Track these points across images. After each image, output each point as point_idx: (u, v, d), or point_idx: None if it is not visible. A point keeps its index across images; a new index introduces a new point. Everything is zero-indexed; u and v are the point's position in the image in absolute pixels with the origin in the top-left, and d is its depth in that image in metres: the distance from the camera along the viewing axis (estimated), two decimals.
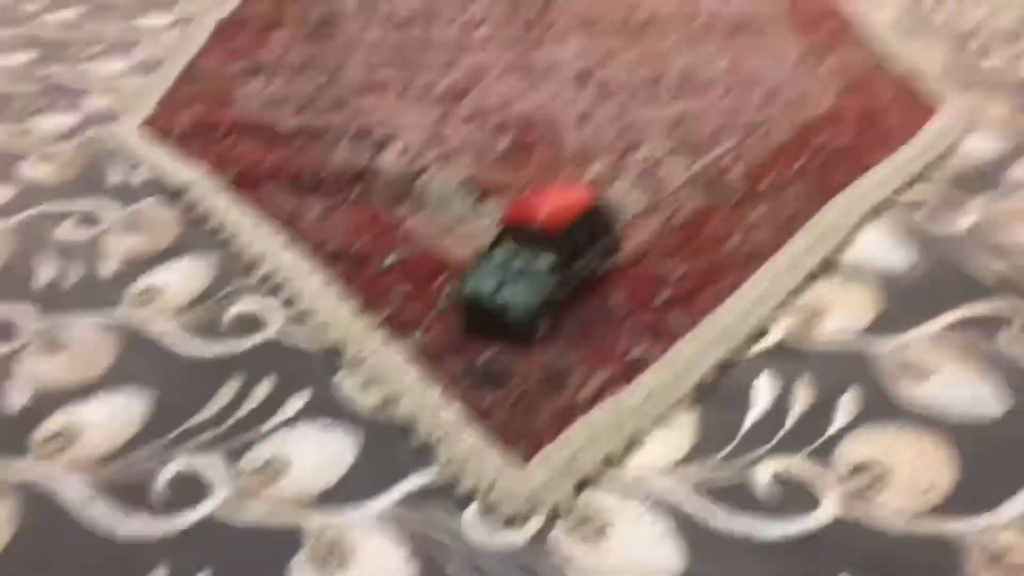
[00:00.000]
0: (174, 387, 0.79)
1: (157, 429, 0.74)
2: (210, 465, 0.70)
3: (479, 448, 0.70)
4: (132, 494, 0.68)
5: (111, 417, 0.75)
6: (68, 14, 1.65)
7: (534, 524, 0.64)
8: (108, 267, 0.95)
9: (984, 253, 0.90)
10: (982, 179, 1.03)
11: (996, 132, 1.12)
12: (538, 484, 0.66)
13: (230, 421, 0.74)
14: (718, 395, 0.75)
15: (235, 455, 0.71)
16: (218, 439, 0.72)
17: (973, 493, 0.65)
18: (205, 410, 0.75)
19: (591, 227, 0.86)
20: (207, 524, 0.66)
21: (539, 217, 0.83)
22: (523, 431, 0.71)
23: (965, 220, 0.96)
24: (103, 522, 0.66)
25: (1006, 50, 1.33)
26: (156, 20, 1.61)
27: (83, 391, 0.78)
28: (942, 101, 1.18)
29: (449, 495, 0.67)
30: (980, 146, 1.09)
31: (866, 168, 1.05)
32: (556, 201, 0.86)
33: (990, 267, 0.88)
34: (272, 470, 0.69)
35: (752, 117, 1.17)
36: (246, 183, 1.07)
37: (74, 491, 0.69)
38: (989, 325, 0.81)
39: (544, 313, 0.81)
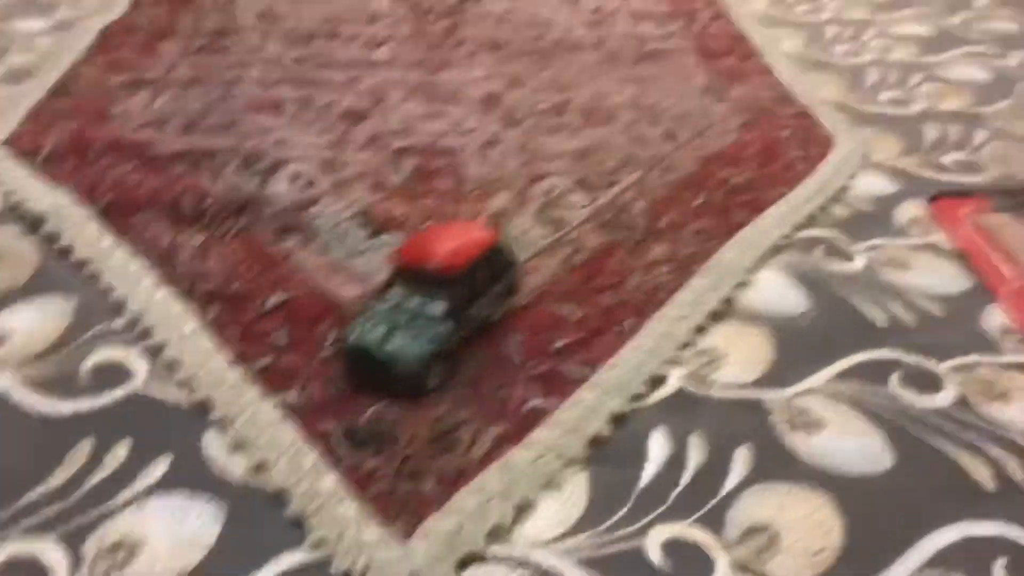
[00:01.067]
0: (16, 452, 0.70)
1: None
2: (49, 549, 0.62)
3: (356, 522, 0.64)
4: None
5: None
6: None
7: None
8: None
9: (876, 294, 0.91)
10: (874, 218, 1.04)
11: (887, 171, 1.13)
12: (418, 564, 0.61)
13: (76, 494, 0.66)
14: (612, 451, 0.72)
15: (79, 536, 0.63)
16: (60, 516, 0.65)
17: (862, 554, 0.64)
18: (49, 481, 0.68)
19: (490, 268, 0.82)
20: None
21: (435, 257, 0.78)
22: (406, 501, 0.66)
23: (859, 260, 0.96)
24: None
25: (900, 87, 1.36)
26: (31, 24, 1.49)
27: None
28: (838, 137, 1.20)
29: (324, 575, 0.62)
30: (872, 184, 1.10)
31: (766, 205, 1.05)
32: (453, 240, 0.81)
33: (881, 310, 0.89)
34: (123, 552, 0.62)
35: (656, 150, 1.16)
36: (119, 211, 0.99)
37: None
38: (879, 371, 0.81)
39: (437, 363, 0.76)
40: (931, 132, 1.23)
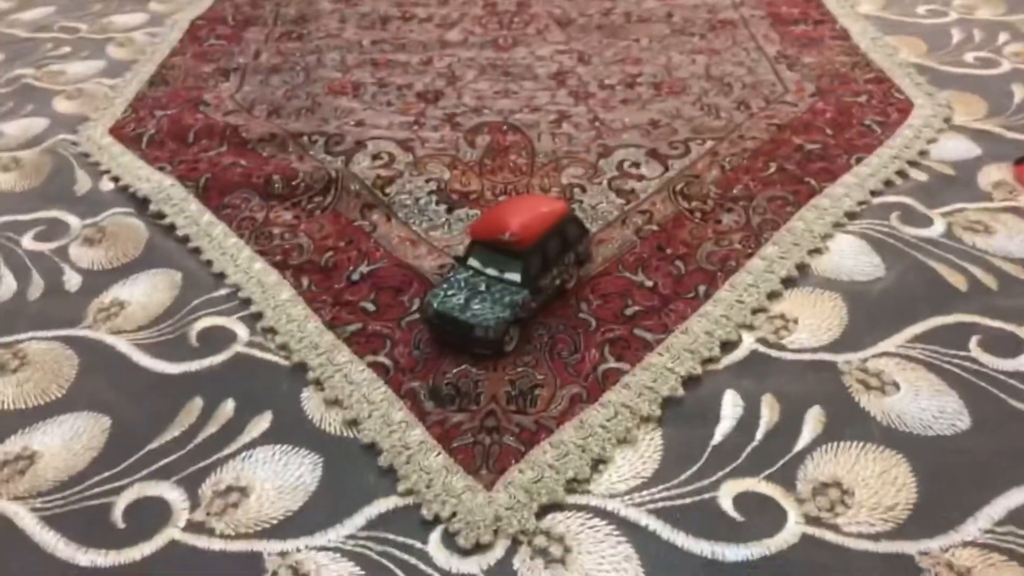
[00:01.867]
0: (138, 407, 0.78)
1: (118, 452, 0.73)
2: (170, 490, 0.69)
3: (443, 472, 0.69)
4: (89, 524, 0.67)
5: (70, 440, 0.75)
6: (37, 13, 1.62)
7: (498, 550, 0.64)
8: (73, 281, 0.94)
9: (955, 258, 0.90)
10: (955, 182, 1.02)
11: (970, 134, 1.11)
12: (501, 510, 0.66)
13: (191, 444, 0.73)
14: (684, 411, 0.75)
15: (196, 480, 0.70)
16: (179, 463, 0.71)
17: (935, 511, 0.65)
18: (167, 432, 0.74)
19: (562, 239, 0.85)
20: (169, 552, 0.65)
21: (508, 230, 0.82)
22: (488, 453, 0.71)
23: (938, 224, 0.95)
24: (62, 552, 0.65)
25: (986, 47, 1.32)
26: (128, 19, 1.58)
27: (43, 413, 0.77)
28: (918, 100, 1.18)
29: (413, 520, 0.66)
30: (954, 147, 1.08)
31: (840, 171, 1.04)
32: (525, 213, 0.84)
33: (961, 273, 0.88)
34: (235, 494, 0.69)
35: (728, 119, 1.16)
36: (215, 191, 1.06)
37: (25, 522, 0.68)
38: (959, 335, 0.81)
39: (513, 328, 0.80)
40: (1019, 93, 1.19)
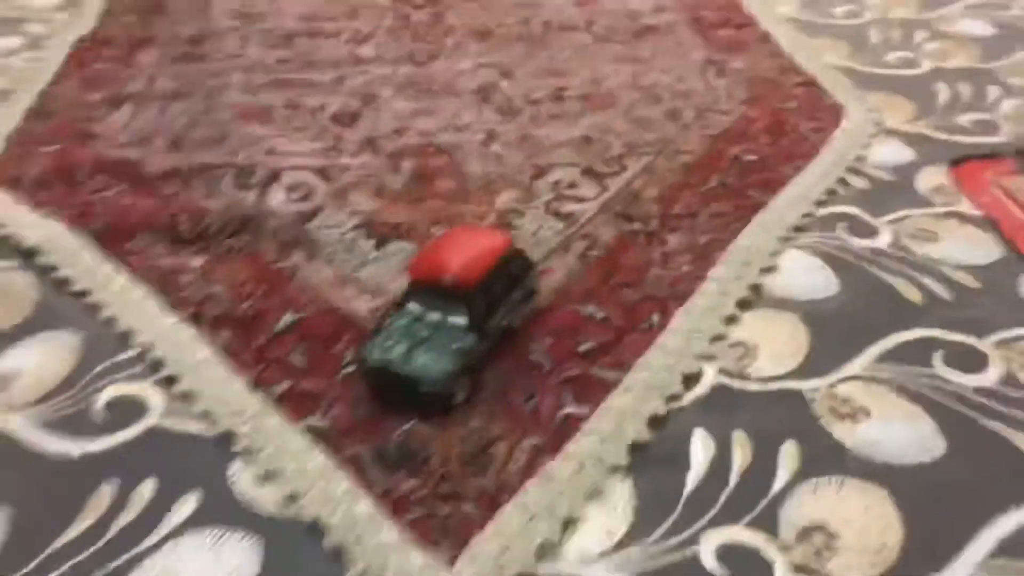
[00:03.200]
0: (35, 499, 0.67)
1: (18, 554, 0.63)
2: None
3: (398, 549, 0.62)
4: None
5: None
6: None
7: None
8: None
9: (907, 269, 0.88)
10: (895, 188, 1.01)
11: (903, 137, 1.10)
12: None
13: (104, 539, 0.63)
14: (653, 456, 0.70)
15: None
16: (89, 564, 0.62)
17: (926, 548, 0.62)
18: (75, 526, 0.64)
19: (507, 275, 0.79)
20: None
21: (449, 270, 0.75)
22: (447, 523, 0.64)
23: (885, 234, 0.94)
24: None
25: (901, 49, 1.33)
26: (2, 43, 1.43)
27: None
28: (848, 104, 1.17)
29: None
30: (890, 152, 1.07)
31: (781, 182, 1.02)
32: (467, 251, 0.78)
33: (915, 285, 0.86)
34: None
35: (661, 132, 1.13)
36: (114, 237, 0.95)
37: None
38: (921, 351, 0.79)
39: (463, 378, 0.73)
40: (943, 92, 1.20)
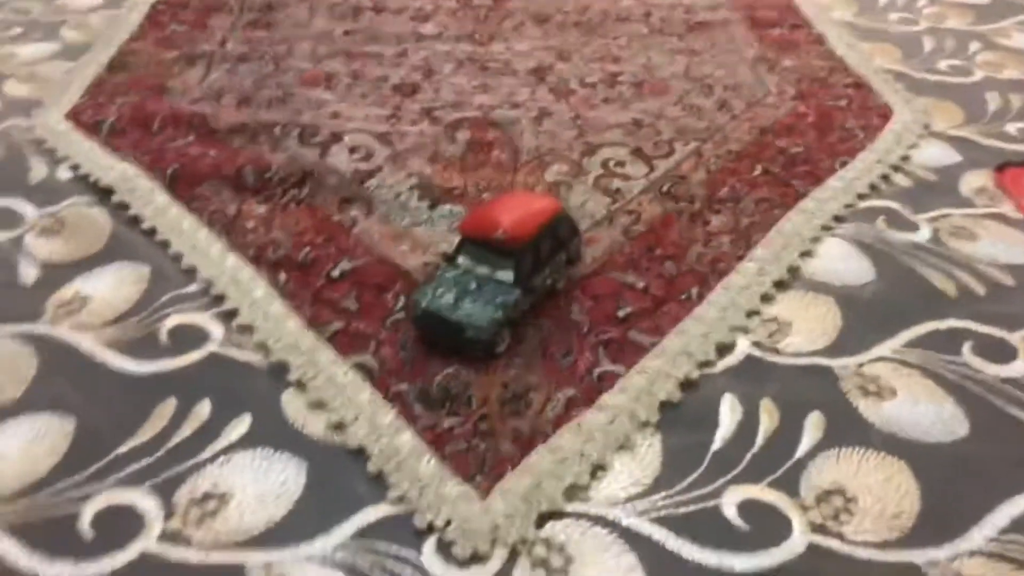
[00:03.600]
0: (104, 409, 0.72)
1: (84, 455, 0.68)
2: (142, 498, 0.64)
3: (436, 479, 0.66)
4: (55, 534, 0.62)
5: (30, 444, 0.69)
6: None
7: (496, 561, 0.61)
8: (29, 273, 0.88)
9: (943, 263, 0.90)
10: (938, 188, 1.03)
11: (949, 140, 1.12)
12: (499, 518, 0.63)
13: (164, 449, 0.68)
14: (683, 416, 0.73)
15: (170, 487, 0.65)
16: (151, 469, 0.67)
17: (940, 519, 0.64)
18: (137, 436, 0.70)
19: (554, 238, 0.83)
20: (141, 564, 0.60)
21: (500, 228, 0.79)
22: (483, 459, 0.68)
23: (924, 230, 0.95)
24: (25, 563, 0.60)
25: (958, 55, 1.34)
26: (83, 1, 1.50)
27: None
28: (897, 106, 1.18)
29: (406, 529, 0.63)
30: (936, 154, 1.09)
31: (825, 175, 1.04)
32: (518, 211, 0.82)
33: (950, 279, 0.88)
34: (213, 502, 0.64)
35: (711, 120, 1.15)
36: (183, 182, 1.00)
37: None
38: (951, 340, 0.80)
39: (505, 329, 0.77)
40: (993, 101, 1.20)
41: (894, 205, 0.99)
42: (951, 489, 0.67)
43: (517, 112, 1.17)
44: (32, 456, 0.68)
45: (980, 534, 0.63)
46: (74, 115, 1.14)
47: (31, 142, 1.09)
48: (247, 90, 1.21)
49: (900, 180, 1.04)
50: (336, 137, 1.09)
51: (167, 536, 0.62)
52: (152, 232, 0.93)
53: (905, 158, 1.07)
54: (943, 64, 1.31)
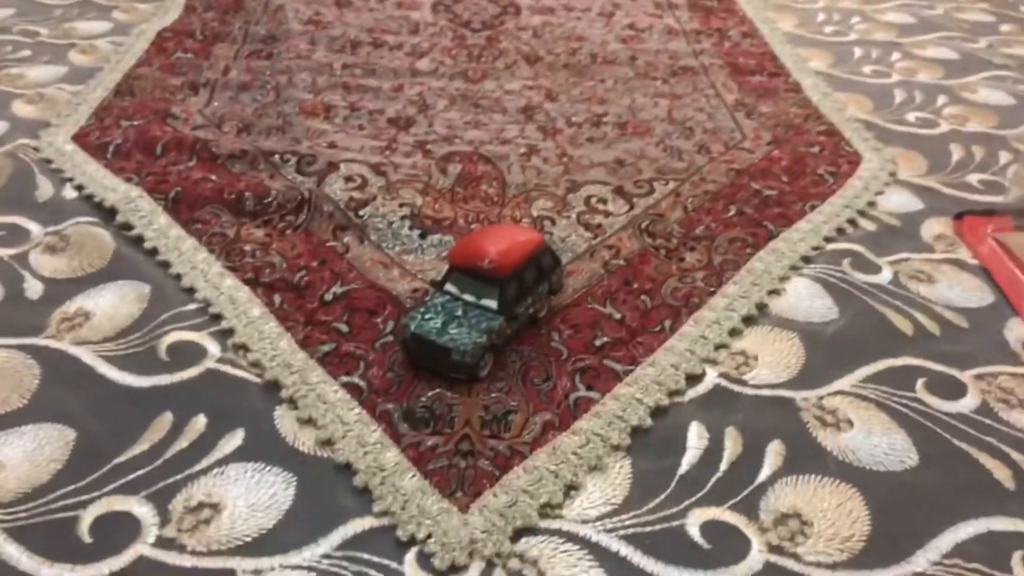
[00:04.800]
0: (104, 419, 0.76)
1: (84, 465, 0.71)
2: (139, 505, 0.68)
3: (418, 494, 0.70)
4: (55, 538, 0.66)
5: (33, 451, 0.73)
6: None
7: (473, 572, 0.65)
8: (34, 288, 0.92)
9: (902, 304, 0.96)
10: (901, 233, 1.08)
11: (914, 188, 1.18)
12: (477, 532, 0.67)
13: (160, 459, 0.72)
14: (652, 441, 0.77)
15: (166, 495, 0.69)
16: (148, 478, 0.70)
17: (888, 543, 0.69)
18: (135, 447, 0.73)
19: (537, 268, 0.88)
20: (137, 568, 0.64)
21: (487, 257, 0.84)
22: (463, 476, 0.72)
23: (886, 272, 1.01)
24: (25, 565, 0.64)
25: (926, 108, 1.41)
26: (91, 26, 1.55)
27: (3, 423, 0.75)
28: (866, 154, 1.25)
29: (389, 541, 0.67)
30: (900, 201, 1.15)
31: (796, 217, 1.10)
32: (504, 242, 0.86)
33: (907, 319, 0.93)
34: (207, 511, 0.68)
35: (690, 162, 1.21)
36: (185, 205, 1.05)
37: None
38: (906, 376, 0.86)
39: (488, 354, 0.82)
40: (956, 152, 1.27)
41: (859, 248, 1.05)
42: (899, 515, 0.71)
43: (506, 148, 1.22)
44: (35, 463, 0.72)
45: (925, 557, 0.68)
46: (80, 137, 1.19)
47: (38, 162, 1.13)
48: (248, 118, 1.26)
49: (866, 224, 1.10)
50: (333, 166, 1.14)
51: (162, 542, 0.66)
52: (154, 252, 0.97)
53: (871, 204, 1.14)
54: (911, 116, 1.38)
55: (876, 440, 0.78)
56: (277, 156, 1.16)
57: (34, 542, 0.65)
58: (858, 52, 1.61)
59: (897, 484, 0.74)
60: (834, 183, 1.18)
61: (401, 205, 1.07)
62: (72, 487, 0.70)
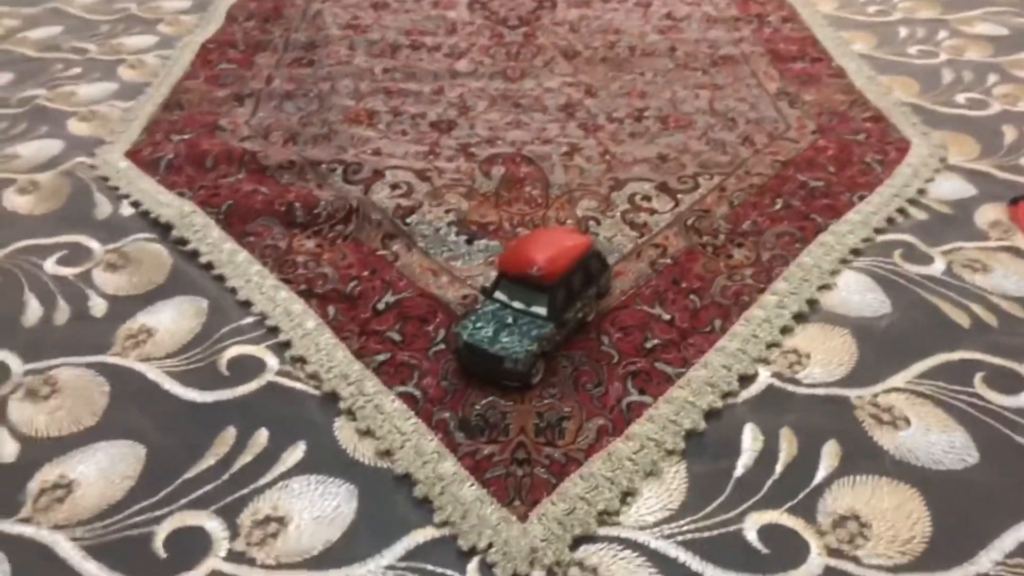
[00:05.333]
0: (171, 435, 0.79)
1: (155, 481, 0.74)
2: (210, 520, 0.71)
3: (477, 503, 0.71)
4: (131, 554, 0.69)
5: (107, 469, 0.76)
6: (44, 32, 1.62)
7: None
8: (99, 306, 0.95)
9: (957, 296, 0.94)
10: (953, 221, 1.06)
11: (965, 173, 1.16)
12: (536, 541, 0.68)
13: (227, 474, 0.75)
14: (706, 444, 0.78)
15: (234, 510, 0.71)
16: (216, 493, 0.73)
17: (950, 544, 0.69)
18: (202, 462, 0.76)
19: (585, 272, 0.88)
20: None
21: (535, 264, 0.85)
22: (521, 484, 0.73)
23: (939, 262, 0.99)
24: None
25: (972, 90, 1.37)
26: (138, 40, 1.59)
27: (77, 441, 0.79)
28: (915, 139, 1.22)
29: (450, 551, 0.68)
30: (951, 187, 1.13)
31: (844, 208, 1.08)
32: (552, 248, 0.87)
33: (963, 311, 0.92)
34: (274, 524, 0.70)
35: (734, 154, 1.20)
36: (237, 217, 1.08)
37: (67, 552, 0.69)
38: (963, 371, 0.84)
39: (540, 360, 0.82)
40: (1009, 134, 1.24)
41: (910, 238, 1.03)
42: (960, 515, 0.71)
43: (548, 148, 1.23)
44: (109, 480, 0.75)
45: (988, 558, 0.68)
46: (133, 153, 1.22)
47: (96, 179, 1.17)
48: (293, 127, 1.29)
49: (916, 213, 1.08)
50: (378, 174, 1.16)
51: (233, 556, 0.68)
52: (209, 266, 1.00)
53: (921, 192, 1.12)
54: (961, 97, 1.35)
55: (934, 438, 0.78)
56: (324, 165, 1.18)
57: (112, 559, 0.68)
58: (903, 32, 1.58)
59: (957, 483, 0.74)
60: (882, 171, 1.16)
61: (447, 211, 1.08)
62: (145, 503, 0.72)
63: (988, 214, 1.07)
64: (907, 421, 0.79)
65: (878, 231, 1.05)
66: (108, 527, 0.71)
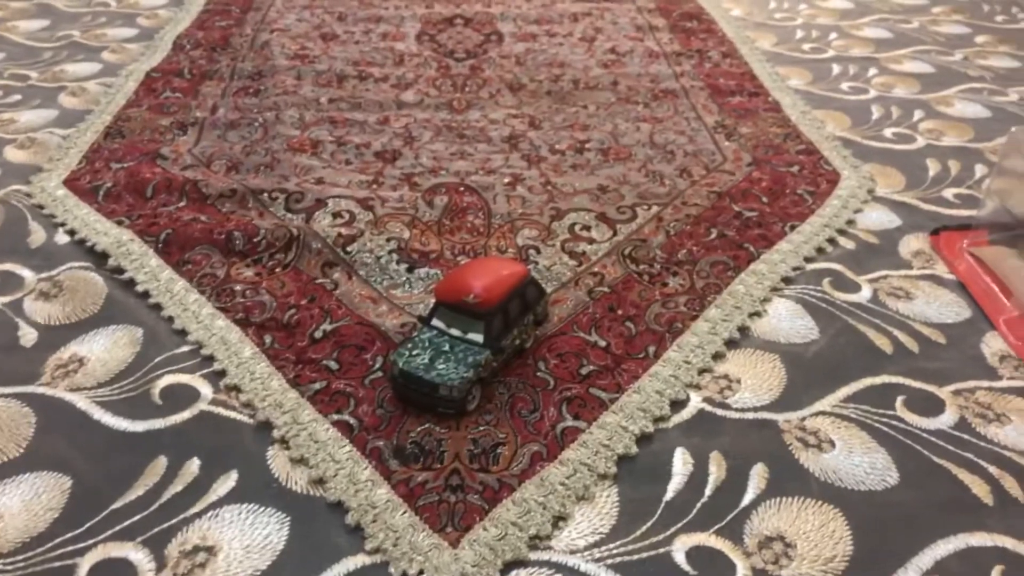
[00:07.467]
0: (100, 465, 0.78)
1: (81, 512, 0.73)
2: (136, 551, 0.69)
3: (409, 530, 0.71)
4: None
5: (30, 500, 0.74)
6: None
7: None
8: (29, 336, 0.93)
9: (881, 322, 0.97)
10: (879, 250, 1.11)
11: (891, 205, 1.20)
12: (467, 567, 0.68)
13: (156, 504, 0.74)
14: (638, 468, 0.79)
15: (161, 540, 0.70)
16: (143, 523, 0.72)
17: (871, 562, 0.71)
18: (131, 492, 0.75)
19: (522, 300, 0.89)
20: None
21: (472, 292, 0.86)
22: (453, 511, 0.73)
23: (865, 290, 1.03)
24: None
25: (899, 125, 1.43)
26: (81, 68, 1.58)
27: (1, 473, 0.77)
28: (843, 172, 1.27)
29: None
30: (878, 218, 1.17)
31: (777, 238, 1.12)
32: (488, 276, 0.88)
33: (887, 337, 0.95)
34: (202, 554, 0.69)
35: (671, 186, 1.24)
36: (175, 246, 1.07)
37: None
38: (885, 395, 0.87)
39: (476, 387, 0.83)
40: (932, 167, 1.30)
41: (838, 267, 1.07)
42: (881, 534, 0.73)
43: (491, 178, 1.25)
44: (32, 512, 0.73)
45: (905, 575, 0.70)
46: (71, 181, 1.21)
47: (31, 207, 1.15)
48: (237, 156, 1.29)
49: (845, 243, 1.12)
50: (320, 203, 1.16)
51: None
52: (145, 295, 0.99)
53: (850, 222, 1.16)
54: (888, 131, 1.40)
55: (857, 460, 0.80)
56: (265, 194, 1.18)
57: None
58: (836, 69, 1.64)
59: (878, 503, 0.76)
60: (813, 202, 1.20)
61: (388, 239, 1.09)
62: (69, 535, 0.71)
63: (912, 244, 1.12)
64: (832, 443, 0.82)
65: (808, 260, 1.08)
66: (30, 560, 0.69)
